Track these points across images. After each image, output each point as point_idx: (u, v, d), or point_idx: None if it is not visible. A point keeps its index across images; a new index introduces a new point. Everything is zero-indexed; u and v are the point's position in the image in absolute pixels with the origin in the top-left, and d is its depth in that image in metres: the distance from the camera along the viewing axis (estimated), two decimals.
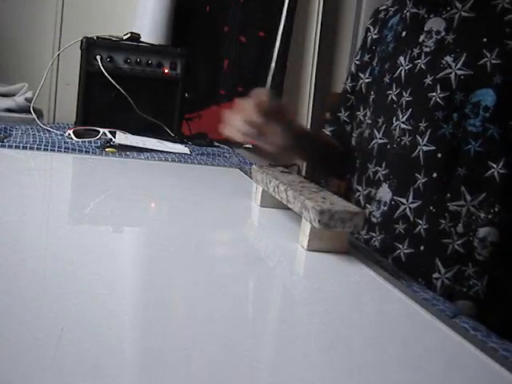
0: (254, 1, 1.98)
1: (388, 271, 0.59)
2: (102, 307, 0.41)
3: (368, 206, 0.87)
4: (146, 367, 0.33)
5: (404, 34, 0.86)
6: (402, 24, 0.87)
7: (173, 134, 1.45)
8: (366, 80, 0.94)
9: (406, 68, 0.83)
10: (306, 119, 2.11)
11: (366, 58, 0.95)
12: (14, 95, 1.47)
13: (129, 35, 1.48)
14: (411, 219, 0.79)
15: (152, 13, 1.71)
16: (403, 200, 0.80)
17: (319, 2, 2.05)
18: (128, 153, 1.14)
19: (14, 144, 1.06)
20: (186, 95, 1.57)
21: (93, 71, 1.40)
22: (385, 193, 0.83)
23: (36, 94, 1.44)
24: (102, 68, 1.39)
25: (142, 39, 1.51)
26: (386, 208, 0.82)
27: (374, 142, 0.87)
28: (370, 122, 0.89)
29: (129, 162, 1.08)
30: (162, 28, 1.72)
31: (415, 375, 0.38)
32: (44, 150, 1.07)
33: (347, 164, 0.98)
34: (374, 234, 0.84)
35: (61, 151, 1.07)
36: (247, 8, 1.97)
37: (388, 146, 0.84)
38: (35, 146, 1.07)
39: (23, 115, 1.42)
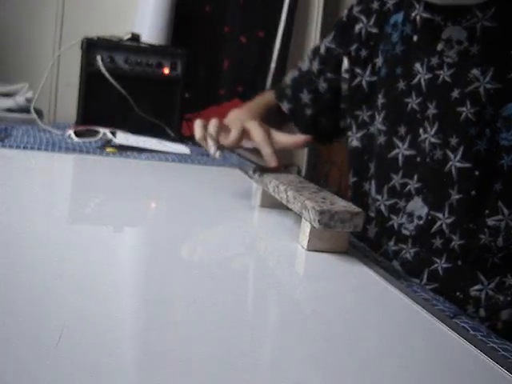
0: (254, 1, 1.98)
1: (388, 271, 0.59)
2: (102, 307, 0.41)
3: (393, 216, 0.84)
4: (146, 367, 0.33)
5: (416, 38, 0.82)
6: (410, 26, 0.84)
7: (173, 134, 1.45)
8: (368, 79, 0.90)
9: (426, 77, 0.79)
10: None
11: (364, 53, 0.91)
12: (14, 95, 1.47)
13: (129, 35, 1.48)
14: (447, 234, 0.78)
15: (152, 13, 1.72)
16: (440, 215, 0.78)
17: (319, 2, 2.06)
18: (128, 153, 1.14)
19: (15, 144, 1.06)
20: (186, 95, 1.58)
21: (93, 71, 1.40)
22: (418, 206, 0.81)
23: (36, 94, 1.44)
24: (102, 68, 1.39)
25: (142, 39, 1.52)
26: (421, 222, 0.80)
27: (396, 151, 0.84)
28: (383, 128, 0.86)
29: (129, 161, 1.08)
30: (162, 28, 1.72)
31: (415, 375, 0.38)
32: (44, 149, 1.07)
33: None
34: (404, 246, 0.83)
35: (61, 151, 1.08)
36: (247, 8, 1.97)
37: (418, 159, 0.81)
38: (35, 145, 1.07)
39: (23, 115, 1.43)
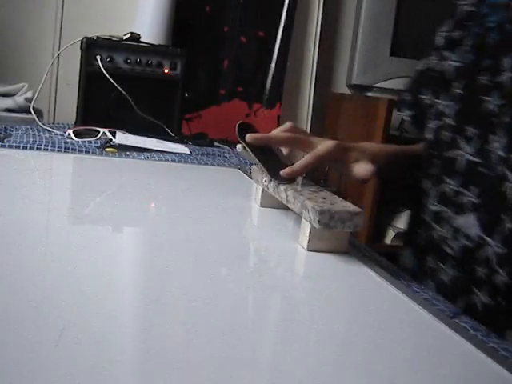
0: (253, 1, 1.98)
1: (388, 271, 0.59)
2: (102, 307, 0.41)
3: (436, 225, 0.74)
4: (146, 367, 0.33)
5: (510, 28, 0.70)
6: (508, 13, 0.71)
7: (173, 134, 1.45)
8: (454, 64, 0.77)
9: (510, 76, 0.68)
10: (306, 119, 2.11)
11: (456, 34, 0.78)
12: (14, 95, 1.47)
13: (129, 35, 1.48)
14: (493, 265, 0.67)
15: (152, 13, 1.71)
16: (491, 241, 0.66)
17: (319, 2, 2.05)
18: (128, 153, 1.14)
19: (14, 144, 1.06)
20: (186, 95, 1.57)
21: (93, 71, 1.40)
22: (470, 224, 0.69)
23: (36, 94, 1.44)
24: (102, 68, 1.39)
25: (142, 39, 1.52)
26: (469, 243, 0.69)
27: (458, 153, 0.72)
28: (452, 123, 0.74)
29: (129, 161, 1.08)
30: (162, 28, 1.72)
31: (415, 375, 0.38)
32: (44, 149, 1.07)
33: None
34: (443, 266, 0.73)
35: (61, 151, 1.07)
36: (247, 8, 1.97)
37: (483, 170, 0.69)
38: (35, 145, 1.07)
39: (23, 115, 1.42)
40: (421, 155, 0.84)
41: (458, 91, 0.75)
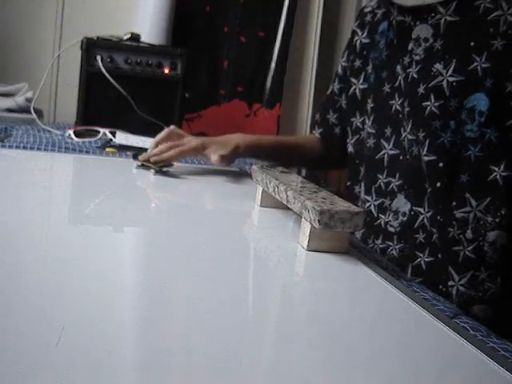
0: (254, 1, 1.98)
1: (388, 271, 0.59)
2: (103, 307, 0.41)
3: (382, 215, 0.87)
4: (147, 367, 0.33)
5: (395, 41, 0.86)
6: (391, 31, 0.87)
7: None
8: (361, 86, 0.93)
9: (403, 77, 0.83)
10: (305, 119, 2.11)
11: (358, 63, 0.95)
12: (14, 95, 1.47)
13: (129, 35, 1.48)
14: (428, 228, 0.79)
15: (152, 13, 1.71)
16: (421, 210, 0.80)
17: (319, 2, 2.06)
18: (128, 153, 1.14)
19: (14, 144, 1.06)
20: (186, 95, 1.57)
21: (93, 71, 1.40)
22: (401, 203, 0.83)
23: (36, 94, 1.44)
24: (102, 68, 1.39)
25: (142, 39, 1.52)
26: (405, 218, 0.82)
27: (383, 152, 0.87)
28: (373, 131, 0.89)
29: (129, 162, 1.08)
30: (162, 28, 1.72)
31: (415, 375, 0.38)
32: (44, 150, 1.07)
33: (329, 163, 1.11)
34: (391, 244, 0.84)
35: (61, 151, 1.07)
36: (247, 8, 1.97)
37: (400, 158, 0.83)
38: (35, 146, 1.07)
39: (23, 115, 1.43)
40: (296, 145, 1.09)
41: (370, 105, 0.90)
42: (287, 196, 0.68)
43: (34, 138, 1.16)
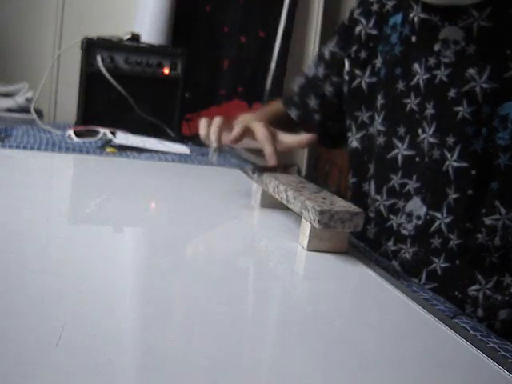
0: (254, 1, 1.98)
1: (388, 271, 0.59)
2: (103, 307, 0.41)
3: (393, 216, 0.85)
4: (147, 367, 0.33)
5: (414, 39, 0.83)
6: (408, 27, 0.84)
7: (173, 134, 1.45)
8: (368, 80, 0.90)
9: (424, 77, 0.80)
10: None
11: (364, 54, 0.91)
12: (14, 95, 1.47)
13: (129, 35, 1.48)
14: (445, 234, 0.78)
15: (152, 13, 1.72)
16: (438, 214, 0.78)
17: (319, 2, 2.06)
18: (128, 153, 1.14)
19: (15, 144, 1.06)
20: (186, 95, 1.57)
21: (93, 71, 1.40)
22: (417, 206, 0.81)
23: (36, 94, 1.44)
24: (102, 68, 1.39)
25: (142, 39, 1.52)
26: (420, 222, 0.80)
27: (395, 152, 0.84)
28: (383, 129, 0.86)
29: (129, 161, 1.08)
30: (162, 28, 1.72)
31: (415, 375, 0.38)
32: (44, 150, 1.07)
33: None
34: (403, 246, 0.83)
35: (61, 151, 1.07)
36: (247, 8, 1.97)
37: (417, 159, 0.81)
38: (35, 145, 1.07)
39: (23, 115, 1.43)
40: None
41: (381, 101, 0.87)
42: (287, 196, 0.68)
43: (34, 137, 1.16)
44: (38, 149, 1.06)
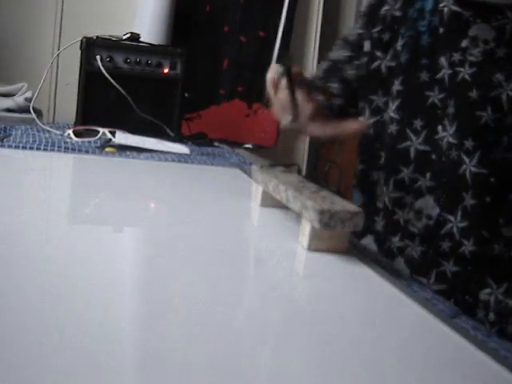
0: (254, 1, 1.98)
1: (388, 271, 0.59)
2: (102, 307, 0.41)
3: (398, 210, 0.81)
4: (146, 367, 0.33)
5: (442, 31, 0.78)
6: (437, 17, 0.79)
7: (172, 134, 1.45)
8: (388, 63, 0.84)
9: (448, 73, 0.76)
10: None
11: (387, 36, 0.85)
12: (13, 95, 1.47)
13: (129, 35, 1.48)
14: (457, 238, 0.75)
15: (152, 13, 1.71)
16: (451, 218, 0.75)
17: (319, 2, 2.06)
18: (128, 153, 1.14)
19: (14, 144, 1.06)
20: (186, 95, 1.57)
21: (93, 71, 1.40)
22: (428, 205, 0.77)
23: (36, 94, 1.44)
24: (101, 68, 1.39)
25: (141, 39, 1.51)
26: (431, 222, 0.77)
27: (407, 143, 0.80)
28: (397, 117, 0.81)
29: (129, 161, 1.08)
30: (161, 28, 1.72)
31: (415, 375, 0.38)
32: (44, 149, 1.06)
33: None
34: (410, 243, 0.80)
35: (61, 151, 1.07)
36: (247, 8, 1.97)
37: (433, 157, 0.77)
38: (35, 145, 1.07)
39: (23, 115, 1.42)
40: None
41: (397, 88, 0.82)
42: (287, 196, 0.68)
43: (34, 137, 1.16)
44: (38, 149, 1.06)
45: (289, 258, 0.61)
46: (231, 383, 0.33)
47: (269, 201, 0.78)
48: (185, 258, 0.56)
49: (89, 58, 1.40)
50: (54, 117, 1.83)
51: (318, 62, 2.06)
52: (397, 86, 0.82)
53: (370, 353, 0.40)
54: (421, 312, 0.48)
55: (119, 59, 1.43)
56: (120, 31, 1.52)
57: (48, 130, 1.30)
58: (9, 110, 1.44)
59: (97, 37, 1.43)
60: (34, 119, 1.37)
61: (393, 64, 0.84)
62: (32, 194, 0.76)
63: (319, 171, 1.95)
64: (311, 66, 2.08)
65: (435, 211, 0.77)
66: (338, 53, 0.97)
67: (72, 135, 1.21)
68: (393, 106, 0.83)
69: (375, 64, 0.87)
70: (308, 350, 0.40)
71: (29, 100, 1.44)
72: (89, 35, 1.42)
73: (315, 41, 2.06)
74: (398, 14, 0.85)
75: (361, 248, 0.68)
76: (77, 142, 1.18)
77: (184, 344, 0.37)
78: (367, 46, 0.90)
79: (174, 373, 0.33)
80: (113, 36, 1.47)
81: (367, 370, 0.37)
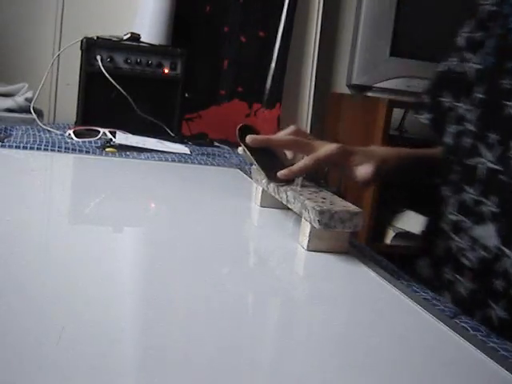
0: (254, 1, 1.98)
1: (388, 271, 0.59)
2: (102, 307, 0.41)
3: (454, 235, 0.71)
4: (146, 367, 0.33)
5: None
6: None
7: (173, 134, 1.45)
8: (476, 66, 0.73)
9: None
10: (306, 119, 2.11)
11: (478, 34, 0.74)
12: (14, 95, 1.47)
13: (129, 35, 1.48)
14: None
15: (152, 13, 1.71)
16: (510, 253, 0.63)
17: (319, 2, 2.05)
18: (128, 153, 1.14)
19: (14, 144, 1.06)
20: (186, 95, 1.57)
21: (93, 71, 1.40)
22: (488, 234, 0.66)
23: (36, 94, 1.44)
24: (102, 68, 1.39)
25: (142, 39, 1.51)
26: (487, 254, 0.66)
27: (478, 160, 0.68)
28: (472, 129, 0.71)
29: (129, 161, 1.08)
30: (162, 28, 1.71)
31: (415, 375, 0.38)
32: (44, 149, 1.06)
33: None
34: (460, 278, 0.70)
35: (61, 151, 1.07)
36: (247, 8, 1.97)
37: (503, 178, 0.65)
38: (35, 145, 1.07)
39: (23, 115, 1.42)
40: (437, 159, 0.81)
41: (480, 96, 0.71)
42: (287, 196, 0.68)
43: (34, 137, 1.16)
44: (38, 149, 1.06)
45: (289, 258, 0.61)
46: (231, 383, 0.33)
47: (269, 201, 0.78)
48: (185, 257, 0.56)
49: (89, 58, 1.40)
50: (54, 117, 1.83)
51: (318, 63, 2.07)
52: (478, 93, 0.72)
53: (369, 353, 0.40)
54: (421, 312, 0.48)
55: (120, 59, 1.43)
56: (120, 31, 1.52)
57: (48, 130, 1.30)
58: (9, 110, 1.44)
59: (97, 37, 1.43)
60: (34, 119, 1.37)
61: (479, 67, 0.73)
62: (32, 194, 0.76)
63: (319, 171, 1.95)
64: (311, 66, 2.08)
65: (493, 242, 0.66)
66: (447, 62, 0.83)
67: (72, 135, 1.21)
68: (472, 116, 0.72)
69: (463, 66, 0.77)
70: (308, 349, 0.40)
71: (29, 100, 1.44)
72: (89, 35, 1.42)
73: (315, 41, 2.06)
74: (492, 8, 0.74)
75: (361, 248, 0.68)
76: (77, 142, 1.18)
77: (184, 344, 0.37)
78: (460, 42, 0.79)
79: (174, 373, 0.33)
80: (113, 36, 1.47)
81: (367, 370, 0.37)
